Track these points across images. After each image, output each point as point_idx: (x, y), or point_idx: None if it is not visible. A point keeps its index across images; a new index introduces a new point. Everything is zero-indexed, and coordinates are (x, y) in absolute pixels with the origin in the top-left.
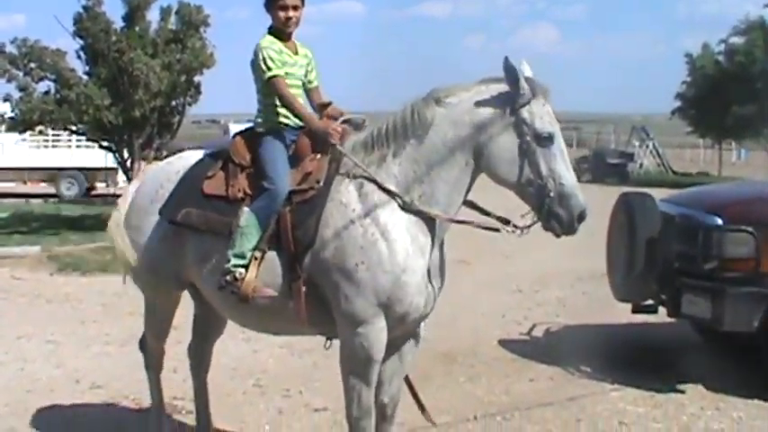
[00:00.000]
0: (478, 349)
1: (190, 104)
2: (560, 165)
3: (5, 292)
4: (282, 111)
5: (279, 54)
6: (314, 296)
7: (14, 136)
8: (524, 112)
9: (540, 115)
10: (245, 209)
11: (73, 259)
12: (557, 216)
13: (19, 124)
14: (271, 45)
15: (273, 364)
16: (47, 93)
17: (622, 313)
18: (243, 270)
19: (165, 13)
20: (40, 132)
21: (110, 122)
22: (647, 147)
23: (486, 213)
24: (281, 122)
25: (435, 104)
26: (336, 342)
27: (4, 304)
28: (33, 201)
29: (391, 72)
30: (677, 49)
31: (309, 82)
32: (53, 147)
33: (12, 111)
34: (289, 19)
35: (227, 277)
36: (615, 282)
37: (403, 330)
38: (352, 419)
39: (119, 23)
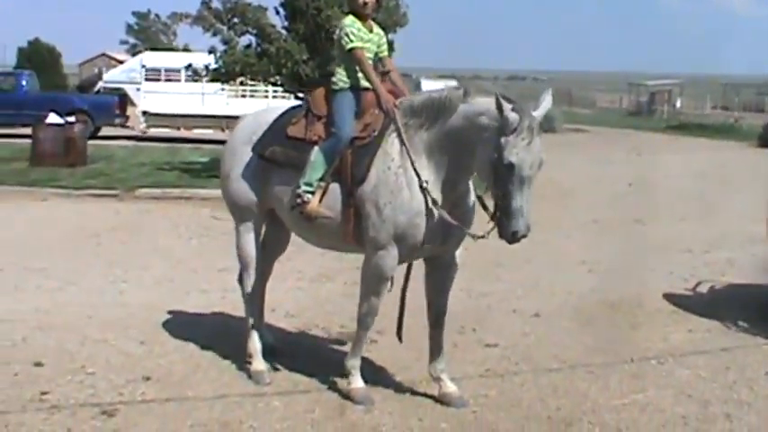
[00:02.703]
0: (642, 300)
1: None
2: (515, 188)
3: (207, 230)
4: (359, 75)
5: (358, 31)
6: (358, 221)
7: (214, 86)
8: (502, 139)
9: (514, 145)
10: (316, 148)
11: None
12: (502, 224)
13: (222, 75)
14: (352, 24)
15: (452, 304)
16: (248, 46)
17: None
18: (310, 195)
19: None
20: (241, 83)
21: (306, 75)
22: None
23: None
24: (357, 83)
25: (464, 97)
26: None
27: (206, 241)
28: None
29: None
30: None
31: (381, 52)
32: (250, 97)
33: (215, 62)
34: (366, 4)
35: (298, 200)
36: None
37: (423, 256)
38: (360, 315)
39: None
